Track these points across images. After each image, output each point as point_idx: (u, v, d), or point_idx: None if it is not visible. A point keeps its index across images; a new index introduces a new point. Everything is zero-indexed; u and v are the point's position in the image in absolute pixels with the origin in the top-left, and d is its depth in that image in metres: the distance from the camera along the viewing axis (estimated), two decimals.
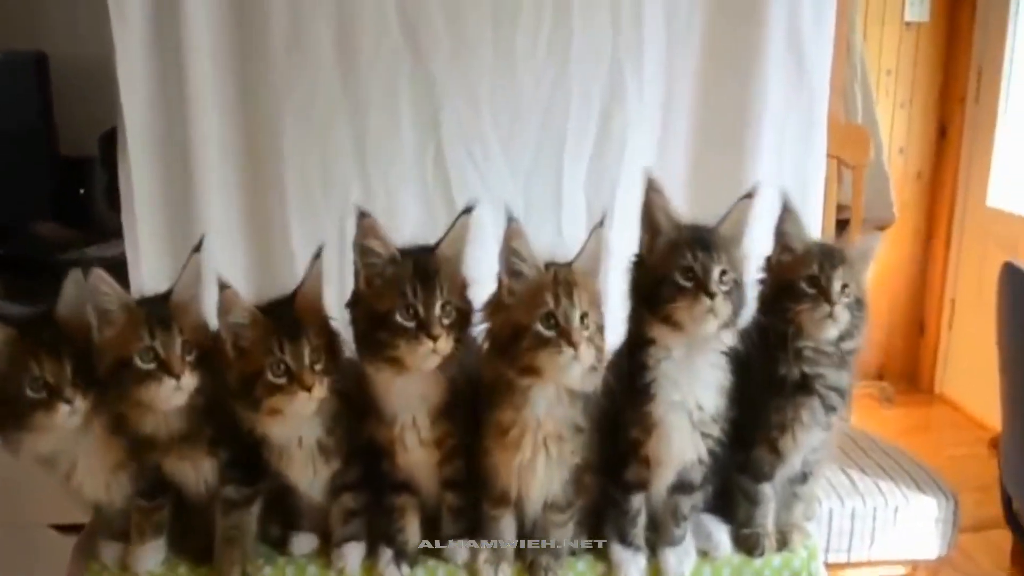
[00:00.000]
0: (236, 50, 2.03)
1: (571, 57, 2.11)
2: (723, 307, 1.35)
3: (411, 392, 1.41)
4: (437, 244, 1.39)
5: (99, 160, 2.66)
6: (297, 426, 1.40)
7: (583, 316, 1.31)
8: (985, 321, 4.11)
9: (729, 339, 1.43)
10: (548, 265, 1.35)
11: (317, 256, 1.41)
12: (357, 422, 1.45)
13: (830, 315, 1.42)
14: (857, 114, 3.37)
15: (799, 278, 1.45)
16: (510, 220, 1.34)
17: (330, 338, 1.39)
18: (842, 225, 2.88)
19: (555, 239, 2.16)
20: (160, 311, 1.35)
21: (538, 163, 2.16)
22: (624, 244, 2.15)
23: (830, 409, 1.51)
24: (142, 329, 1.32)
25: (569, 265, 1.35)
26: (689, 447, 1.46)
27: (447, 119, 2.09)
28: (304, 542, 1.53)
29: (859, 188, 2.79)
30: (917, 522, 2.39)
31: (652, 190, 1.42)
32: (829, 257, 1.45)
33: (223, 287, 1.33)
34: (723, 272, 1.36)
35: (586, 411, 1.40)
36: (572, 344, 1.29)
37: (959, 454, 3.66)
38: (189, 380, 1.34)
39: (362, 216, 1.36)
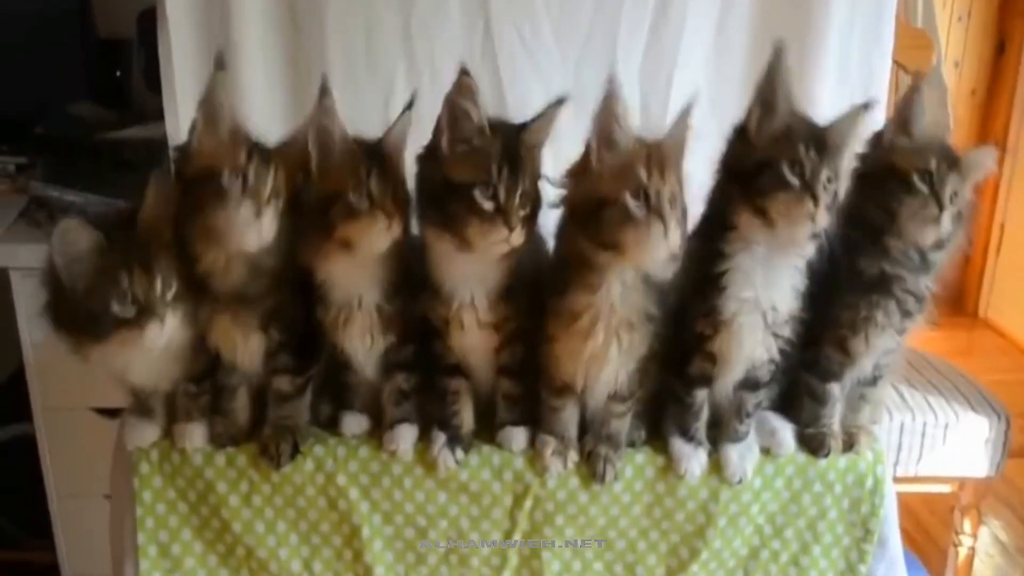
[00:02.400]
0: None
1: None
2: (823, 216, 1.26)
3: (471, 270, 1.35)
4: (526, 126, 1.31)
5: (137, 40, 2.59)
6: (359, 279, 1.36)
7: (672, 197, 1.23)
8: None
9: (812, 250, 1.32)
10: (639, 140, 1.26)
11: (409, 106, 1.35)
12: (413, 297, 1.39)
13: (936, 220, 1.33)
14: (917, 16, 3.23)
15: (913, 169, 1.34)
16: (610, 83, 1.24)
17: (405, 195, 1.34)
18: None
19: None
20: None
21: (590, 49, 2.06)
22: None
23: (906, 314, 1.43)
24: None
25: (662, 143, 1.26)
26: (760, 348, 1.39)
27: None
28: (355, 422, 1.49)
29: None
30: (967, 440, 2.34)
31: (778, 59, 1.31)
32: (947, 157, 1.34)
33: (325, 91, 1.27)
34: (829, 179, 1.27)
35: (659, 299, 1.33)
36: (663, 221, 1.20)
37: (1002, 379, 3.58)
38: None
39: (464, 74, 1.27)
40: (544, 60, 2.04)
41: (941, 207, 1.32)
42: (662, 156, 1.23)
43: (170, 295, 1.28)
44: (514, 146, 1.28)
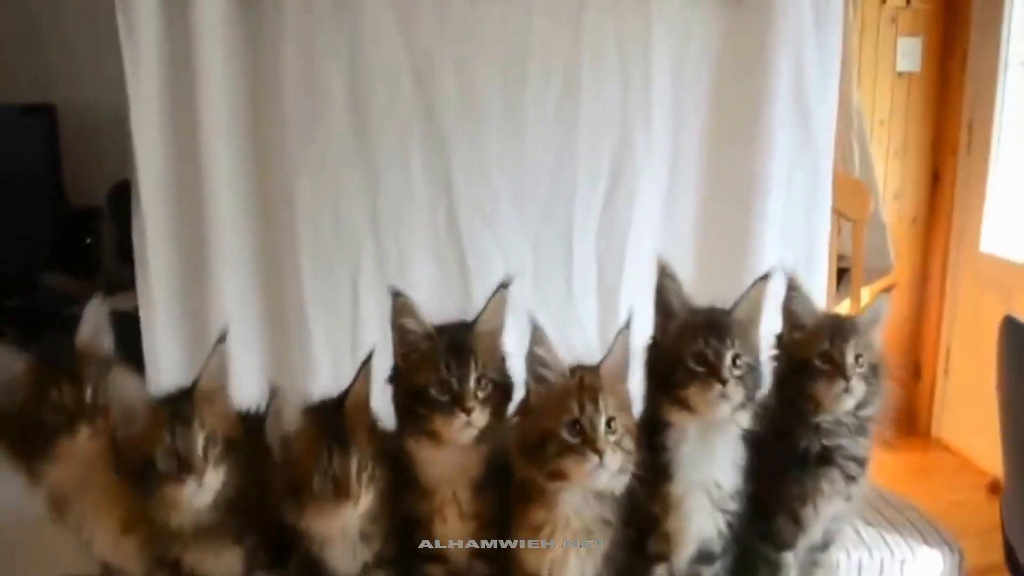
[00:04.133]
0: (250, 109, 2.05)
1: (580, 115, 2.14)
2: (735, 391, 1.37)
3: (451, 465, 1.41)
4: (474, 320, 1.40)
5: (108, 213, 2.65)
6: (341, 523, 1.38)
7: (609, 421, 1.31)
8: (980, 366, 4.11)
9: (745, 420, 1.43)
10: (574, 369, 1.35)
11: (367, 361, 1.39)
12: (396, 497, 1.43)
13: (846, 389, 1.44)
14: (854, 165, 3.39)
15: (813, 355, 1.47)
16: (534, 327, 1.34)
17: (378, 443, 1.38)
18: (841, 274, 2.90)
19: (565, 299, 2.20)
20: (182, 408, 1.32)
21: (548, 220, 2.19)
22: (635, 302, 2.19)
23: (850, 479, 1.53)
24: (164, 429, 1.30)
25: (595, 369, 1.35)
26: (709, 524, 1.47)
27: (458, 177, 2.12)
28: None
29: (859, 241, 2.80)
30: (923, 574, 2.39)
31: (664, 274, 1.43)
32: (840, 330, 1.47)
33: (274, 391, 1.32)
34: (736, 356, 1.38)
35: (614, 505, 1.41)
36: (597, 451, 1.30)
37: (958, 499, 3.66)
38: (212, 477, 1.32)
39: (396, 296, 1.37)
40: (504, 234, 2.16)
41: (846, 377, 1.43)
42: (595, 385, 1.33)
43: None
44: (461, 339, 1.37)
